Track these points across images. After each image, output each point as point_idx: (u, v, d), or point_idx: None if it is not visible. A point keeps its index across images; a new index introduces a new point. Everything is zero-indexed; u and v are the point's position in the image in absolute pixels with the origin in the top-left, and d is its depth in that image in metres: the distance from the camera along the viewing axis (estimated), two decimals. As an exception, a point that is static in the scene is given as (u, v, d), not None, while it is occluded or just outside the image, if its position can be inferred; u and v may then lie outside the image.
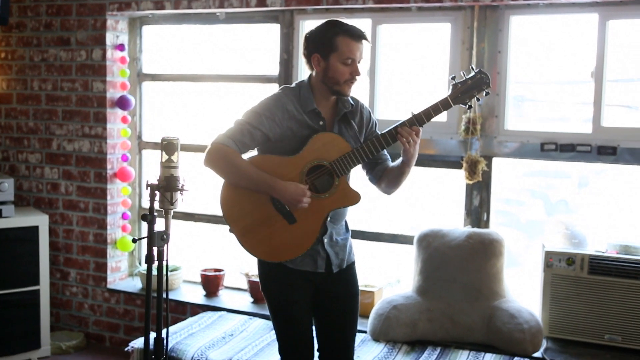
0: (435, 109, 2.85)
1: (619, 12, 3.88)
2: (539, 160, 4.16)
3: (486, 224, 4.23)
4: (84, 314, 5.24)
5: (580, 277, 3.86)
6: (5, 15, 4.86)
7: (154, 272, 2.81)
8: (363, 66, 2.92)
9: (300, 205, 2.80)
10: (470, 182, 4.15)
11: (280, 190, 2.79)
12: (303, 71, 4.58)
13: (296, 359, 3.03)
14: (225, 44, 5.03)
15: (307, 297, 3.00)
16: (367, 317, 4.12)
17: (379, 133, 2.91)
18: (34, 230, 4.85)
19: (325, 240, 2.95)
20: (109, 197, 5.05)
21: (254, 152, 2.95)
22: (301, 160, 2.85)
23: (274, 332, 3.85)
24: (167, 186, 2.78)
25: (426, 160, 4.28)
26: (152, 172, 5.22)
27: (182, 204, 2.84)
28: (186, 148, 4.39)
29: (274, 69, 4.72)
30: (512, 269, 4.22)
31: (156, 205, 2.80)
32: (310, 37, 2.90)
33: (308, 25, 4.51)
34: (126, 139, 5.13)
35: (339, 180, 2.86)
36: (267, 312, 4.36)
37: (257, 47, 4.89)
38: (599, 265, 3.82)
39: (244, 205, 2.88)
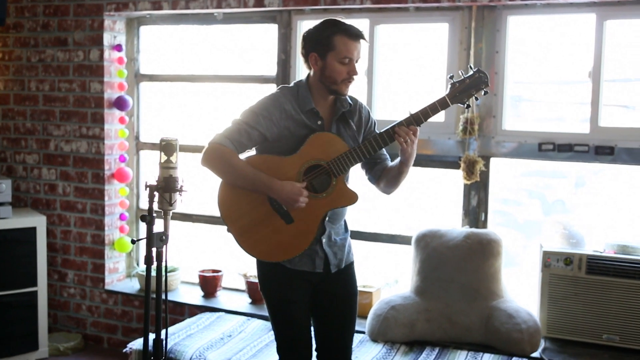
0: (433, 108, 2.84)
1: (616, 12, 3.88)
2: (537, 161, 4.16)
3: (484, 224, 4.23)
4: (82, 315, 5.23)
5: (578, 277, 3.86)
6: (2, 16, 4.85)
7: (153, 273, 2.80)
8: (361, 66, 2.92)
9: (297, 205, 2.80)
10: (468, 182, 4.15)
11: (277, 190, 2.79)
12: (301, 71, 4.58)
13: (294, 358, 3.03)
14: (223, 45, 5.02)
15: (306, 297, 3.00)
16: (365, 317, 4.12)
17: (377, 133, 2.91)
18: (32, 231, 4.84)
19: (324, 240, 2.95)
20: (106, 198, 5.04)
21: (252, 152, 2.95)
22: (298, 160, 2.85)
23: (272, 332, 3.86)
24: (166, 187, 2.78)
25: (424, 161, 4.28)
26: (150, 172, 5.22)
27: (181, 204, 2.84)
28: (184, 149, 4.36)
29: (272, 70, 4.72)
30: (510, 269, 4.22)
31: (155, 206, 2.80)
32: (308, 36, 2.90)
33: (306, 25, 4.50)
34: (124, 140, 5.12)
35: (336, 180, 2.86)
36: (266, 313, 4.37)
37: (254, 47, 4.89)
38: (597, 265, 3.82)
39: (241, 205, 2.88)
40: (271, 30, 4.72)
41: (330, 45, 2.82)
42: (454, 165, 4.22)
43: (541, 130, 4.13)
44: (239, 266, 4.79)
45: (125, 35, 5.11)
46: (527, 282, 4.30)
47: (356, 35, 2.83)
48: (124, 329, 5.09)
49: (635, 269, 3.75)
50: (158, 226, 2.80)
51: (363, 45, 2.87)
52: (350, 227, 3.15)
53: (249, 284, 4.70)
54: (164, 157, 2.80)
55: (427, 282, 4.00)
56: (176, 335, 4.08)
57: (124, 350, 4.05)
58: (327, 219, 2.93)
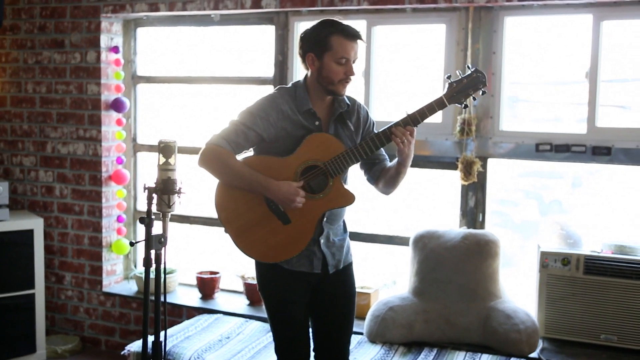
0: (430, 108, 2.84)
1: (613, 12, 3.89)
2: (534, 161, 4.16)
3: (482, 225, 4.23)
4: (80, 317, 5.22)
5: (575, 277, 3.86)
6: (-1, 18, 4.86)
7: (152, 275, 2.80)
8: (358, 66, 2.92)
9: (293, 205, 2.80)
10: (466, 183, 4.16)
11: (273, 190, 2.80)
12: (298, 73, 4.58)
13: (292, 358, 3.03)
14: (220, 46, 5.02)
15: (304, 297, 3.01)
16: (363, 318, 4.12)
17: (374, 133, 2.91)
18: (29, 233, 4.84)
19: (322, 241, 2.95)
20: (104, 200, 5.04)
21: (249, 153, 2.95)
22: (295, 160, 2.85)
23: (270, 334, 3.87)
24: (165, 189, 2.78)
25: (421, 161, 4.28)
26: (147, 174, 5.22)
27: (179, 206, 2.84)
28: (181, 150, 4.35)
29: (269, 71, 4.72)
30: (507, 269, 4.23)
31: (153, 209, 2.79)
32: (305, 37, 2.90)
33: (303, 26, 4.48)
34: (121, 142, 5.11)
35: (333, 180, 2.86)
36: (264, 315, 4.39)
37: (251, 48, 4.89)
38: (595, 266, 3.83)
39: (238, 205, 2.88)
40: (268, 32, 4.72)
41: (327, 46, 2.82)
42: (452, 166, 4.23)
43: (538, 130, 4.13)
44: (236, 268, 4.79)
45: (122, 37, 5.10)
46: (524, 282, 4.31)
47: (353, 35, 2.83)
48: (122, 331, 5.08)
49: (633, 269, 3.75)
50: (156, 228, 2.80)
51: (360, 45, 2.87)
52: (349, 228, 3.15)
53: (247, 286, 4.70)
54: (163, 159, 2.80)
55: (425, 283, 4.00)
56: (174, 337, 4.08)
57: (122, 353, 4.04)
58: (325, 219, 2.93)
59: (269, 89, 4.33)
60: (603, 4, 3.87)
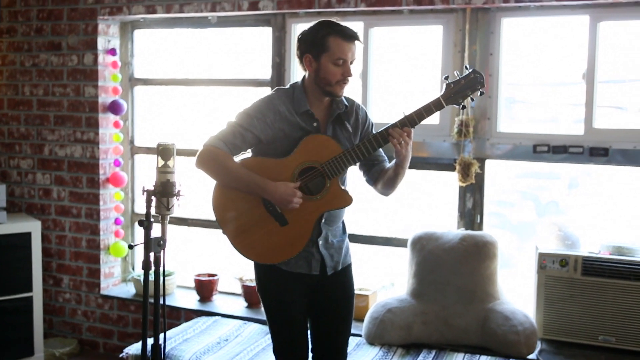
0: (428, 109, 2.84)
1: (609, 13, 3.89)
2: (531, 162, 4.17)
3: (479, 226, 4.23)
4: (78, 320, 5.21)
5: (573, 279, 3.87)
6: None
7: (151, 277, 2.80)
8: (355, 67, 2.91)
9: (290, 206, 2.80)
10: (464, 185, 4.16)
11: (270, 191, 2.80)
12: (295, 74, 4.58)
13: (290, 359, 3.03)
14: (217, 48, 5.02)
15: (302, 298, 3.01)
16: (361, 320, 4.12)
17: (371, 134, 2.91)
18: (27, 236, 4.83)
19: (320, 242, 2.95)
20: (101, 203, 5.03)
21: (247, 154, 2.95)
22: (293, 162, 2.85)
23: (268, 337, 3.87)
24: (164, 192, 2.78)
25: (419, 163, 4.28)
26: (144, 177, 5.21)
27: (178, 209, 2.84)
28: (178, 152, 4.35)
29: (266, 73, 4.72)
30: (504, 270, 4.23)
31: (152, 211, 2.79)
32: (303, 38, 2.89)
33: (300, 28, 4.49)
34: (118, 144, 5.11)
35: (330, 182, 2.86)
36: (262, 317, 4.38)
37: (249, 50, 4.89)
38: (593, 267, 3.83)
39: (235, 207, 2.89)
40: (265, 34, 4.72)
41: (324, 47, 2.81)
42: (449, 167, 4.23)
43: (536, 132, 4.13)
44: (234, 270, 4.79)
45: (119, 39, 5.10)
46: (521, 283, 4.31)
47: (350, 36, 2.83)
48: (120, 334, 5.07)
49: (631, 270, 3.76)
50: (155, 231, 2.79)
51: (358, 46, 2.87)
52: (347, 230, 3.15)
53: (245, 288, 4.70)
54: (161, 162, 2.80)
55: (423, 284, 4.00)
56: (173, 339, 4.07)
57: (121, 356, 4.03)
58: (323, 221, 2.93)
59: (266, 91, 4.33)
60: (600, 5, 3.88)
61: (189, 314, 4.73)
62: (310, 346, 3.10)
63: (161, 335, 2.88)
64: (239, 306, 4.72)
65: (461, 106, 2.89)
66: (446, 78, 2.87)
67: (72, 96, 5.04)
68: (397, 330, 3.90)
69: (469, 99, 2.89)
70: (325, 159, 2.84)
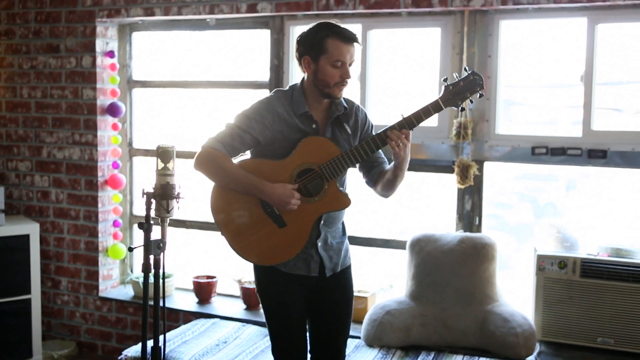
0: (426, 111, 2.83)
1: (607, 16, 3.90)
2: (530, 164, 4.17)
3: (478, 228, 4.23)
4: (76, 322, 5.21)
5: (572, 281, 3.87)
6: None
7: (150, 280, 2.80)
8: (354, 69, 2.91)
9: (288, 207, 2.81)
10: (462, 187, 4.16)
11: (268, 192, 2.80)
12: (294, 77, 4.58)
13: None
14: (216, 50, 5.02)
15: (301, 300, 3.01)
16: (360, 322, 4.12)
17: (369, 137, 2.91)
18: (25, 238, 4.82)
19: (319, 244, 2.95)
20: (100, 205, 5.03)
21: (246, 156, 2.95)
22: (291, 163, 2.85)
23: (267, 339, 3.86)
24: (163, 194, 2.78)
25: (417, 165, 4.29)
26: (143, 179, 5.21)
27: (178, 211, 2.84)
28: (177, 155, 4.37)
29: (265, 75, 4.72)
30: (501, 271, 4.23)
31: (152, 213, 2.79)
32: (302, 39, 2.89)
33: (298, 30, 4.48)
34: (117, 146, 5.11)
35: (328, 184, 2.86)
36: (261, 319, 4.39)
37: (247, 53, 4.89)
38: (591, 269, 3.83)
39: (234, 208, 2.89)
40: (264, 36, 4.72)
41: (323, 49, 2.81)
42: (448, 169, 4.23)
43: (534, 134, 4.14)
44: (233, 272, 4.78)
45: (117, 42, 5.10)
46: (519, 284, 4.31)
47: (349, 38, 2.83)
48: (118, 336, 5.07)
49: (629, 272, 3.76)
50: (155, 233, 2.80)
51: (357, 48, 2.87)
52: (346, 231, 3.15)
53: (244, 290, 4.70)
54: (161, 165, 2.80)
55: (422, 286, 4.01)
56: (171, 341, 4.07)
57: (119, 358, 4.03)
58: (322, 222, 2.93)
59: (265, 93, 4.36)
60: (598, 8, 3.88)
61: (188, 316, 4.73)
62: (309, 347, 3.10)
63: (160, 338, 2.88)
64: (238, 308, 4.72)
65: (460, 108, 2.89)
66: (445, 80, 2.87)
67: (71, 98, 5.04)
68: (396, 332, 3.90)
69: (469, 101, 2.89)
70: (324, 161, 2.84)
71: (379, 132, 2.86)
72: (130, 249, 2.89)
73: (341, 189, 2.93)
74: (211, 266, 5.05)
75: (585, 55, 3.95)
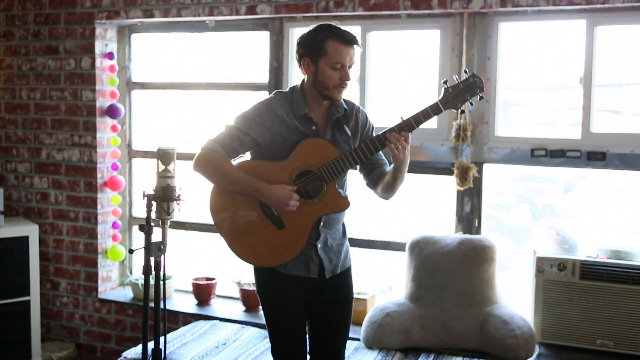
0: (425, 114, 2.84)
1: (606, 18, 3.90)
2: (529, 166, 4.17)
3: (477, 230, 4.24)
4: (75, 324, 5.20)
5: (571, 283, 3.87)
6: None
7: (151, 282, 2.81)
8: (354, 71, 2.91)
9: (287, 209, 2.81)
10: (462, 189, 4.16)
11: (267, 194, 2.80)
12: (293, 79, 4.58)
13: None
14: (215, 52, 5.02)
15: (301, 301, 3.02)
16: (360, 324, 4.11)
17: (368, 139, 2.91)
18: (24, 240, 4.82)
19: (319, 246, 2.95)
20: (99, 207, 5.02)
21: (246, 157, 2.96)
22: (290, 165, 2.86)
23: (267, 340, 3.87)
24: (164, 196, 2.79)
25: (417, 167, 4.29)
26: (142, 180, 5.21)
27: (179, 213, 2.85)
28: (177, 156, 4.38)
29: (264, 77, 4.71)
30: (500, 273, 4.23)
31: (152, 215, 2.79)
32: (301, 41, 2.90)
33: (298, 32, 4.50)
34: (116, 148, 5.10)
35: (327, 185, 2.86)
36: (260, 321, 4.40)
37: (246, 54, 4.89)
38: (590, 271, 3.84)
39: (233, 210, 2.90)
40: (263, 38, 4.72)
41: (322, 51, 2.82)
42: (447, 171, 4.23)
43: (533, 136, 4.14)
44: (232, 274, 4.78)
45: (116, 43, 5.10)
46: (517, 286, 4.31)
47: (348, 40, 2.83)
48: (118, 338, 5.07)
49: (629, 274, 3.77)
50: (155, 235, 2.80)
51: (357, 50, 2.87)
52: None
53: (243, 292, 4.69)
54: (162, 167, 2.80)
55: (421, 288, 4.01)
56: (171, 343, 4.07)
57: (119, 360, 4.04)
58: (322, 224, 2.93)
59: (264, 95, 4.36)
60: (597, 10, 3.89)
61: (187, 318, 4.73)
62: (308, 348, 3.11)
63: (161, 339, 2.88)
64: (237, 310, 4.72)
65: (460, 111, 2.89)
66: (444, 82, 2.87)
67: (70, 100, 5.04)
68: (396, 335, 3.90)
69: (468, 103, 2.89)
70: (323, 163, 2.84)
71: (378, 134, 2.86)
72: (131, 251, 2.90)
73: (340, 190, 2.93)
74: (210, 268, 5.05)
75: (585, 58, 3.95)
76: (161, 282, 2.83)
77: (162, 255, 2.78)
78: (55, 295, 5.24)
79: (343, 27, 2.86)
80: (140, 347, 3.94)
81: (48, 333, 5.28)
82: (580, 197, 4.35)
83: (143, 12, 4.73)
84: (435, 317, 3.93)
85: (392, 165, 2.90)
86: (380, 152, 2.95)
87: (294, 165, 2.85)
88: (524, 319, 3.82)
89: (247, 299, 4.67)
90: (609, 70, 4.02)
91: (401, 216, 4.66)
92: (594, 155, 3.93)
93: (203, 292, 4.84)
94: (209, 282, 4.88)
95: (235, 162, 2.90)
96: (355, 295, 3.24)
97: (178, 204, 2.82)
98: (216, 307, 4.80)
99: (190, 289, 4.94)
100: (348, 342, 3.22)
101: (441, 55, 4.24)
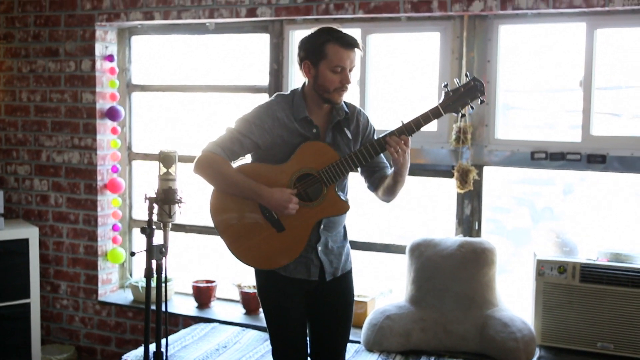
0: (426, 117, 2.84)
1: (606, 21, 3.91)
2: (529, 169, 4.18)
3: (478, 233, 4.24)
4: (75, 327, 5.20)
5: (572, 285, 3.87)
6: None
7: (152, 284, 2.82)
8: (354, 75, 2.91)
9: (286, 212, 2.81)
10: (462, 191, 4.16)
11: (266, 197, 2.81)
12: (293, 81, 4.59)
13: None
14: (215, 54, 5.02)
15: (301, 303, 3.02)
16: (360, 327, 4.12)
17: (368, 142, 2.91)
18: (24, 242, 4.82)
19: (320, 248, 2.95)
20: (99, 209, 5.02)
21: (246, 160, 2.96)
22: (290, 168, 2.86)
23: (267, 343, 3.87)
24: (166, 199, 2.79)
25: (417, 170, 4.29)
26: (142, 183, 5.21)
27: (180, 216, 2.85)
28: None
29: (264, 79, 4.71)
30: (500, 276, 4.23)
31: (154, 218, 2.80)
32: (302, 44, 2.90)
33: (298, 35, 4.51)
34: (116, 150, 5.10)
35: (327, 189, 2.86)
36: (260, 324, 4.40)
37: (246, 57, 4.89)
38: (591, 274, 3.84)
39: (233, 212, 2.90)
40: (263, 40, 4.72)
41: (323, 54, 2.82)
42: (447, 174, 4.23)
43: (533, 139, 4.15)
44: (233, 276, 4.78)
45: (116, 46, 5.10)
46: (517, 289, 4.31)
47: (349, 44, 2.83)
48: (118, 341, 5.06)
49: (629, 277, 3.77)
50: (157, 238, 2.80)
51: (357, 54, 2.87)
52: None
53: (243, 295, 4.69)
54: (163, 169, 2.81)
55: (421, 291, 4.01)
56: (171, 346, 4.07)
57: (119, 362, 4.04)
58: (322, 226, 2.94)
59: (264, 98, 4.37)
60: (596, 13, 3.89)
61: (187, 321, 4.72)
62: (308, 351, 3.11)
63: (163, 342, 2.88)
64: (238, 313, 4.71)
65: (460, 114, 2.89)
66: (445, 86, 2.87)
67: (70, 102, 5.04)
68: (396, 337, 3.90)
69: (468, 107, 2.89)
70: (323, 166, 2.84)
71: (378, 138, 2.86)
72: (132, 254, 2.90)
73: (340, 194, 2.93)
74: (211, 270, 5.05)
75: (584, 60, 3.95)
76: (163, 285, 2.82)
77: (164, 258, 2.79)
78: (55, 298, 5.24)
79: (344, 30, 2.86)
80: (140, 349, 3.96)
81: (48, 336, 5.28)
82: (580, 200, 4.35)
83: (143, 15, 4.73)
84: (435, 320, 3.93)
85: (393, 169, 2.90)
86: (382, 155, 2.96)
87: (294, 168, 2.86)
88: (524, 321, 3.82)
89: (248, 302, 4.67)
90: (609, 73, 4.03)
91: (401, 219, 4.66)
92: (594, 157, 3.94)
93: (203, 294, 4.84)
94: (209, 284, 4.88)
95: (235, 164, 2.90)
96: (355, 298, 3.25)
97: (179, 207, 2.83)
98: (216, 309, 4.80)
99: (191, 291, 4.94)
100: (348, 344, 3.23)
101: (441, 58, 4.24)
